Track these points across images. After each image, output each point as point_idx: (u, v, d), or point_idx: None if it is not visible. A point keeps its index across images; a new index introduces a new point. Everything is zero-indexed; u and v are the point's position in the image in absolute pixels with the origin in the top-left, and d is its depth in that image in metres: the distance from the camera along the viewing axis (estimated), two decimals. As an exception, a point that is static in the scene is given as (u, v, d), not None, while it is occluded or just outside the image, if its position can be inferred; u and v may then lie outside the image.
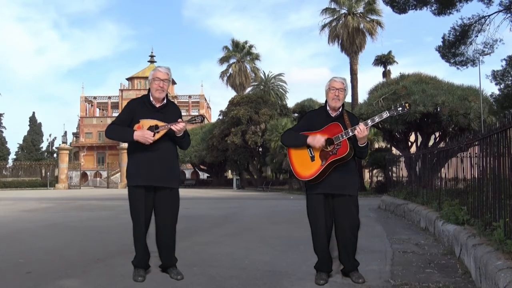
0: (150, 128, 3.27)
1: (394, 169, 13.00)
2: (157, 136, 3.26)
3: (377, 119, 3.18)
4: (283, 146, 23.81)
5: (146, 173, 3.30)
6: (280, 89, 44.51)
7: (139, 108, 3.40)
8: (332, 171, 3.20)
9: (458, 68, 15.36)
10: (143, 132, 3.24)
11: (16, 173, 37.52)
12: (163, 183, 3.35)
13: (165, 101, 3.44)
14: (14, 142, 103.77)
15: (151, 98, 3.40)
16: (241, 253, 4.51)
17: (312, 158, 3.24)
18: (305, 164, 3.26)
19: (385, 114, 3.15)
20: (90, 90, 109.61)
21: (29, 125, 61.49)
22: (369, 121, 3.20)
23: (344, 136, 3.15)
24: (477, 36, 14.72)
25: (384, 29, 26.97)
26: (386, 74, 35.22)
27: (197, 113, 51.36)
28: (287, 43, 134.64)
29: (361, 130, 3.11)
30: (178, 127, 3.26)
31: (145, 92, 3.51)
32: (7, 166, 40.49)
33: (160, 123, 3.28)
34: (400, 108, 3.12)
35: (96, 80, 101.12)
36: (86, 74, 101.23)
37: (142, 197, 3.33)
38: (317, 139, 3.19)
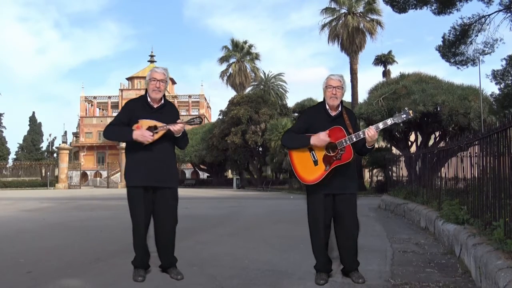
0: (149, 129, 3.27)
1: (394, 168, 13.01)
2: (156, 136, 3.26)
3: (381, 126, 3.16)
4: (284, 146, 23.97)
5: (145, 174, 3.30)
6: (280, 89, 44.45)
7: (137, 108, 3.40)
8: (333, 172, 3.20)
9: (458, 68, 15.30)
10: (142, 131, 3.24)
11: (16, 173, 37.48)
12: (162, 183, 3.35)
13: (162, 101, 3.44)
14: (14, 142, 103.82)
15: (149, 99, 3.40)
16: (241, 253, 4.51)
17: (316, 162, 3.21)
18: (308, 168, 3.23)
19: (390, 121, 3.14)
20: (90, 90, 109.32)
21: (29, 125, 61.42)
22: (380, 124, 3.17)
23: (348, 142, 3.12)
24: (477, 35, 14.69)
25: (384, 29, 27.07)
26: (386, 73, 35.18)
27: (197, 113, 51.39)
28: (287, 42, 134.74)
29: (372, 136, 3.10)
30: (176, 128, 3.26)
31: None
32: (7, 166, 40.44)
33: (159, 124, 3.29)
34: (404, 115, 3.13)
35: (96, 80, 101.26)
36: (87, 73, 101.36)
37: (141, 198, 3.33)
38: (321, 138, 3.15)
